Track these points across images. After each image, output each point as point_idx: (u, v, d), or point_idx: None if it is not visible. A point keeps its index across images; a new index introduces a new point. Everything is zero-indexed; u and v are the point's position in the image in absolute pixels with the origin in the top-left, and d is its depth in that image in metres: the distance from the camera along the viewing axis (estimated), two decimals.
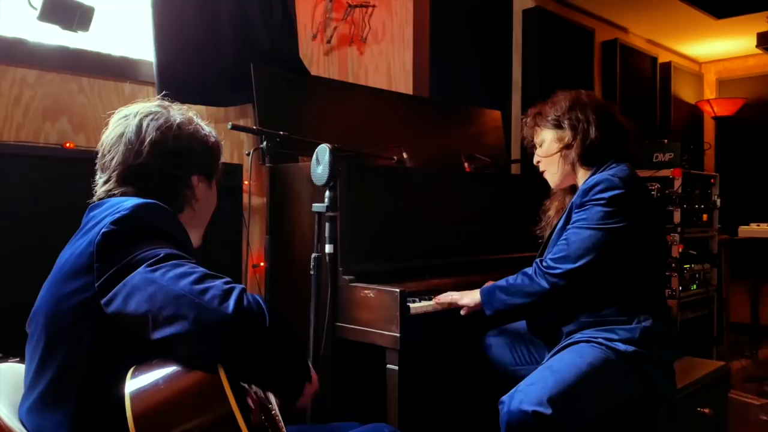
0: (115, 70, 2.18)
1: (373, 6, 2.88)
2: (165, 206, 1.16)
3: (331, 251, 1.81)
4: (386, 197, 2.26)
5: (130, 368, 0.97)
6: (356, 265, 2.06)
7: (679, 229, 3.66)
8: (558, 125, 1.92)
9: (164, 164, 1.22)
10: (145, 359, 0.98)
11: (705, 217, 3.97)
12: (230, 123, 2.08)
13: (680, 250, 3.66)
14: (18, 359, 1.47)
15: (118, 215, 1.07)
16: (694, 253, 3.79)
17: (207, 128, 1.34)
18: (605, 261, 1.74)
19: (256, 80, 2.35)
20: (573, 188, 1.97)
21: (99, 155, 1.25)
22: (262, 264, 2.36)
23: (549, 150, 1.94)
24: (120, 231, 1.05)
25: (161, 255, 1.00)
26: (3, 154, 1.88)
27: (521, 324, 2.05)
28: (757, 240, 4.38)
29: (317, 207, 1.82)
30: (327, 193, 1.81)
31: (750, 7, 4.34)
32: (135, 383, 0.93)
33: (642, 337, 1.72)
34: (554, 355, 1.75)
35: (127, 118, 1.24)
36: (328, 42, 2.79)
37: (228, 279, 0.99)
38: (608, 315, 1.76)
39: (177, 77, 2.21)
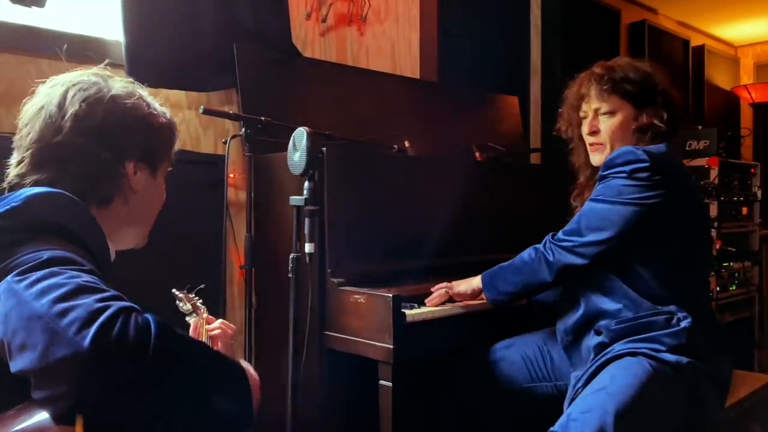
0: (79, 52, 1.96)
1: None
2: (73, 198, 0.94)
3: (312, 251, 1.57)
4: (384, 189, 2.01)
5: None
6: (347, 266, 1.82)
7: (715, 224, 3.34)
8: (647, 102, 1.62)
9: (88, 144, 1.00)
10: (16, 396, 0.75)
11: (744, 210, 3.64)
12: (202, 107, 1.85)
13: (717, 247, 3.35)
14: None
15: (6, 207, 0.86)
16: (733, 250, 3.47)
17: (157, 107, 1.13)
18: (623, 241, 1.50)
19: (240, 61, 2.12)
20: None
21: (17, 131, 1.05)
22: None
23: (625, 126, 1.63)
24: (3, 227, 0.83)
25: (42, 259, 0.78)
26: None
27: (535, 337, 1.80)
28: None
29: (295, 200, 1.58)
30: (306, 184, 1.57)
31: None
32: None
33: (690, 341, 1.46)
34: (595, 371, 1.49)
35: (54, 88, 1.04)
36: (324, 21, 2.55)
37: (111, 294, 0.75)
38: (640, 317, 1.50)
39: (150, 59, 1.99)
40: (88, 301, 0.71)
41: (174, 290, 1.42)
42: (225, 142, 1.95)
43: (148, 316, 0.74)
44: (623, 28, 4.25)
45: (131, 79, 1.12)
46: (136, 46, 1.97)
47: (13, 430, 0.70)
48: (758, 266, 3.75)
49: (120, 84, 1.07)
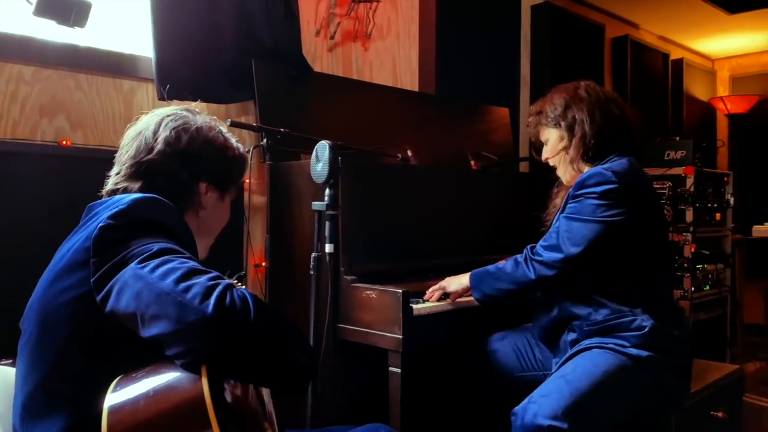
0: (113, 67, 2.15)
1: (378, 1, 2.83)
2: (166, 201, 1.14)
3: (332, 251, 1.76)
4: (390, 195, 2.21)
5: (121, 368, 0.94)
6: (358, 265, 2.02)
7: (691, 229, 3.58)
8: (557, 125, 1.89)
9: (172, 164, 1.21)
10: (137, 359, 0.95)
11: (718, 216, 3.89)
12: (229, 120, 2.04)
13: (692, 250, 3.58)
14: (11, 361, 1.44)
15: (115, 210, 1.06)
16: (707, 253, 3.71)
17: (233, 141, 1.32)
18: (596, 254, 1.70)
19: (258, 76, 2.31)
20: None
21: (118, 150, 1.25)
22: (263, 264, 2.32)
23: (553, 150, 1.93)
24: (117, 226, 1.03)
25: (154, 250, 0.98)
26: None
27: (525, 330, 2.01)
28: None
29: (317, 205, 1.77)
30: (327, 191, 1.76)
31: (764, 2, 4.25)
32: (115, 397, 0.89)
33: (653, 339, 1.67)
34: (565, 362, 1.70)
35: (152, 117, 1.25)
36: (332, 38, 2.75)
37: (215, 274, 0.95)
38: (610, 319, 1.71)
39: (176, 73, 2.17)
40: (201, 281, 0.92)
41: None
42: (248, 151, 2.13)
43: (244, 290, 0.94)
44: (607, 42, 4.49)
45: (214, 117, 1.32)
46: (165, 62, 2.15)
47: (150, 388, 0.89)
48: (730, 268, 3.99)
49: (204, 119, 1.28)
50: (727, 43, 5.40)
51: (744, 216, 4.63)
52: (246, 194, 2.31)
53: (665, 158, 3.70)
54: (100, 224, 1.02)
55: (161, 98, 2.14)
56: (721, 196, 3.93)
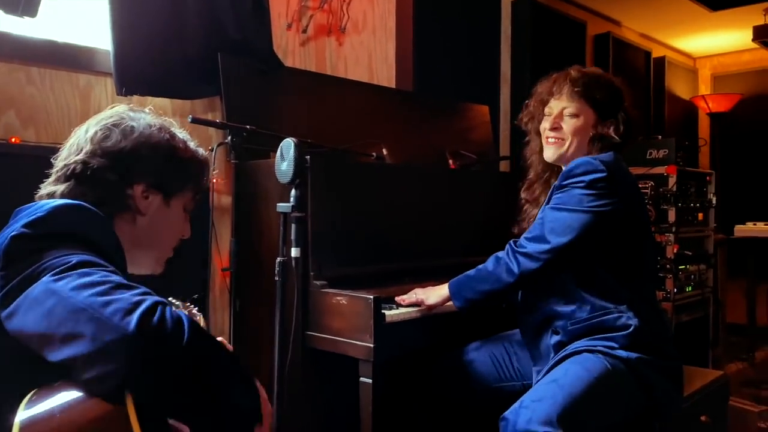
0: (68, 60, 2.02)
1: None
2: (92, 209, 1.02)
3: (298, 255, 1.66)
4: (364, 196, 2.11)
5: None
6: (329, 269, 1.91)
7: (673, 229, 3.52)
8: (609, 114, 1.76)
9: (99, 164, 1.09)
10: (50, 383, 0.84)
11: (700, 216, 3.84)
12: (190, 116, 1.93)
13: (675, 250, 3.53)
14: None
15: (32, 217, 0.94)
16: (689, 253, 3.65)
17: (186, 143, 1.20)
18: (582, 246, 1.61)
19: (224, 70, 2.19)
20: (553, 169, 1.85)
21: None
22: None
23: (581, 130, 1.76)
24: (31, 235, 0.91)
25: (72, 262, 0.86)
26: None
27: (502, 338, 1.92)
28: (754, 239, 4.26)
29: (282, 207, 1.66)
30: (293, 192, 1.65)
31: None
32: (28, 412, 0.78)
33: (640, 340, 1.59)
34: (554, 366, 1.62)
35: (94, 119, 1.15)
36: (304, 32, 2.64)
37: (144, 290, 0.84)
38: (595, 317, 1.63)
39: (137, 68, 2.05)
40: (125, 296, 0.81)
41: (171, 299, 1.49)
42: (212, 150, 2.03)
43: (181, 313, 0.83)
44: (589, 39, 4.43)
45: (168, 118, 1.21)
46: (124, 56, 2.03)
47: (66, 400, 0.79)
48: (713, 269, 3.95)
49: (149, 118, 1.16)
50: (708, 42, 5.37)
51: (726, 216, 4.60)
52: (212, 195, 2.20)
53: (647, 157, 3.65)
54: (13, 233, 0.90)
55: (120, 94, 2.03)
56: (703, 196, 3.89)
